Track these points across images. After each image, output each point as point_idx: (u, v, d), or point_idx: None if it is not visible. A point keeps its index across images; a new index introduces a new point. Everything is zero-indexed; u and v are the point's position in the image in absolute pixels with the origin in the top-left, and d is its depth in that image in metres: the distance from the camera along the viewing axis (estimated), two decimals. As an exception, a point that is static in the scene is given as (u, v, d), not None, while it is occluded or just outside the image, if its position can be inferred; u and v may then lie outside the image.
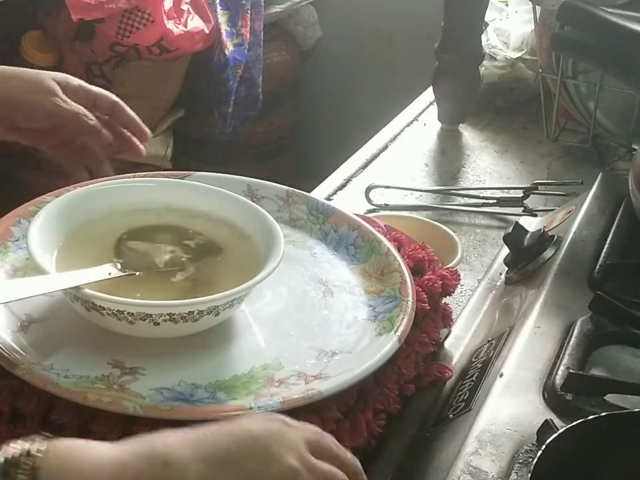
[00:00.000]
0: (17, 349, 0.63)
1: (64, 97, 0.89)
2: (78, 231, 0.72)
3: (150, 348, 0.66)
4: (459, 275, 0.84)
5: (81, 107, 0.89)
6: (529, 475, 0.55)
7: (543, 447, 0.55)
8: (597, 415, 0.57)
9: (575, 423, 0.56)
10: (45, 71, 0.92)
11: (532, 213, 1.14)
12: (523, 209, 1.15)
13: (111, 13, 1.87)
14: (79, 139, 0.92)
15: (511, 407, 0.65)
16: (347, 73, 2.53)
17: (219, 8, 2.12)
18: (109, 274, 0.66)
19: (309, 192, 0.92)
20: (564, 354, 0.70)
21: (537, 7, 1.28)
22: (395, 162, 1.31)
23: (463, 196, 1.19)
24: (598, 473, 0.56)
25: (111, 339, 0.65)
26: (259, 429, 0.53)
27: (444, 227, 1.00)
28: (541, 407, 0.65)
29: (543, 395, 0.66)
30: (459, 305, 0.93)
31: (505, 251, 0.96)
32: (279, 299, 0.74)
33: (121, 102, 0.94)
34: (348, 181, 1.25)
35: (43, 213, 0.70)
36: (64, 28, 1.94)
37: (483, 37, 1.45)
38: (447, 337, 0.85)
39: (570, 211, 0.98)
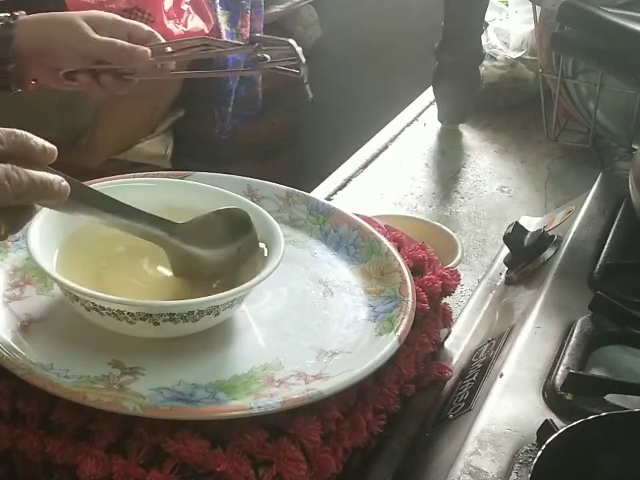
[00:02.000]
0: (17, 349, 0.63)
1: (94, 35, 0.92)
2: (78, 230, 0.72)
3: (150, 348, 0.66)
4: (459, 275, 0.84)
5: (115, 39, 0.92)
6: (529, 475, 0.55)
7: (543, 447, 0.55)
8: (597, 415, 0.57)
9: (574, 423, 0.56)
10: (77, 12, 0.95)
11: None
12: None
13: (111, 12, 1.87)
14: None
15: (511, 407, 0.65)
16: (347, 73, 2.52)
17: (219, 8, 2.11)
18: None
19: (309, 192, 0.92)
20: (564, 354, 0.70)
21: (537, 6, 1.28)
22: (395, 162, 1.31)
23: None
24: (598, 473, 0.56)
25: (111, 338, 0.65)
26: None
27: (444, 227, 1.00)
28: (541, 406, 0.65)
29: (543, 395, 0.66)
30: (459, 305, 0.93)
31: (505, 250, 0.96)
32: (279, 299, 0.74)
33: (156, 32, 0.96)
34: (348, 181, 1.25)
35: (43, 213, 0.69)
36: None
37: (483, 37, 1.45)
38: (447, 337, 0.85)
39: (570, 211, 0.98)
